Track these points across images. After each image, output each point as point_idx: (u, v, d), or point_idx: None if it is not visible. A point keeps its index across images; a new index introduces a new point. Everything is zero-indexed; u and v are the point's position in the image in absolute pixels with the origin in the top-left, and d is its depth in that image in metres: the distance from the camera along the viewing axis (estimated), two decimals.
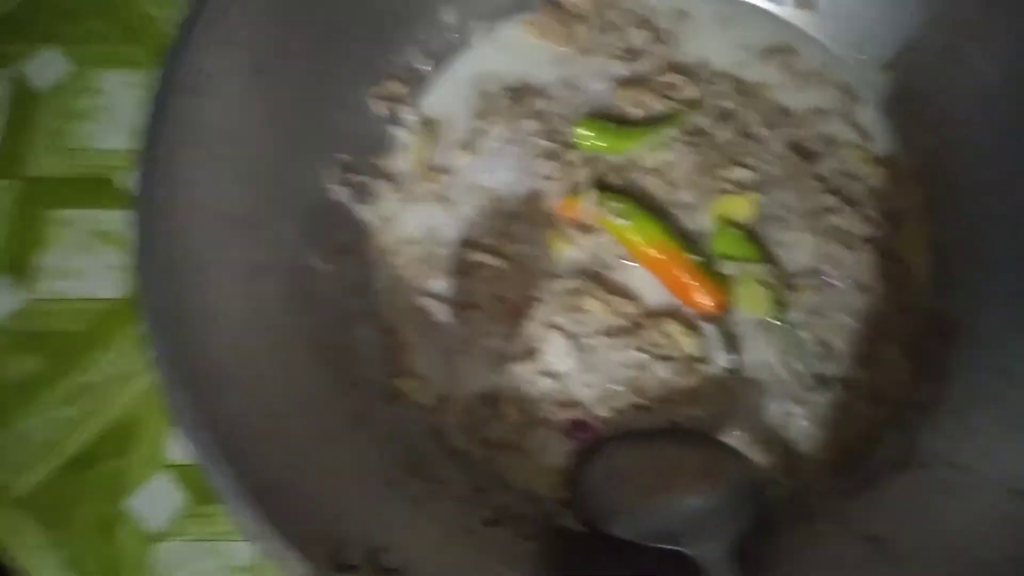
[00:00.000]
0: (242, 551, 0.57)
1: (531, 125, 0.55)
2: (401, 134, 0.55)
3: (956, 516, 0.40)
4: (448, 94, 0.56)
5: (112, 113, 0.69)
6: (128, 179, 0.67)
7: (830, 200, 0.51)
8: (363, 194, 0.53)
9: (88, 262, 0.65)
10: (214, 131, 0.43)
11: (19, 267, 0.65)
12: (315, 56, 0.48)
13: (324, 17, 0.48)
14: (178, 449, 0.60)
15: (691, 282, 0.49)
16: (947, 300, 0.49)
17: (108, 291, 0.64)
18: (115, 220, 0.66)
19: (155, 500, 0.59)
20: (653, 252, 0.49)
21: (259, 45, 0.45)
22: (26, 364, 0.62)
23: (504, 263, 0.51)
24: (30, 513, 0.59)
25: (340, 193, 0.52)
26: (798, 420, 0.48)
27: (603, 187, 0.52)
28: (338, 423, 0.44)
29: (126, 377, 0.62)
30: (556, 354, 0.49)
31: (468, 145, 0.55)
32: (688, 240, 0.51)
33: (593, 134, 0.54)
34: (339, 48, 0.50)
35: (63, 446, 0.60)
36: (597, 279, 0.51)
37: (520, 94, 0.56)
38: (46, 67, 0.71)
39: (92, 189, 0.67)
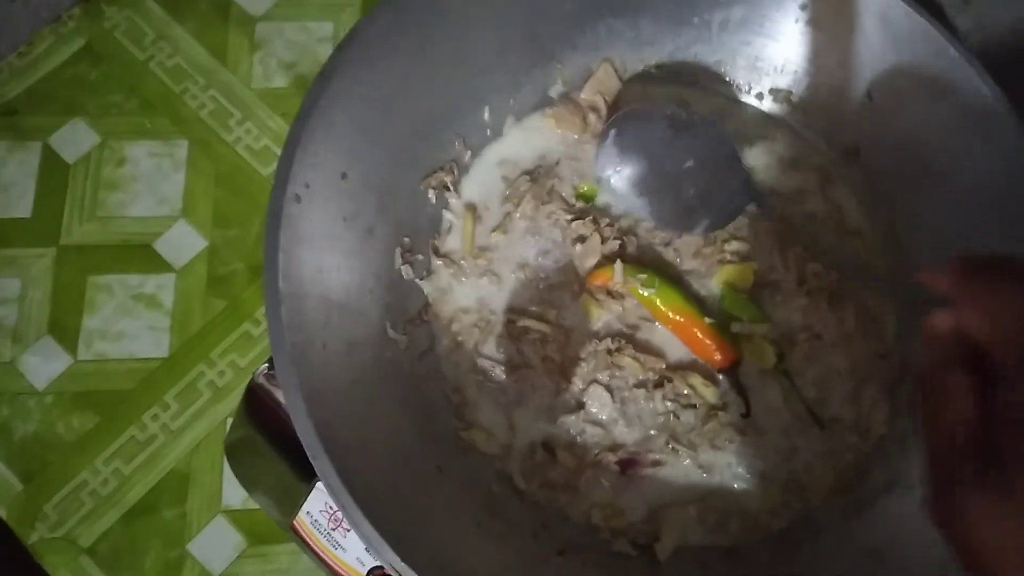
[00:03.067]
0: None
1: (551, 202, 0.62)
2: (449, 216, 0.63)
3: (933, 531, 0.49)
4: (483, 179, 0.64)
5: (140, 182, 0.74)
6: (160, 244, 0.72)
7: (814, 267, 0.60)
8: (422, 270, 0.60)
9: (129, 324, 0.70)
10: (315, 230, 0.49)
11: (64, 331, 0.69)
12: (385, 158, 0.55)
13: (394, 126, 0.56)
14: (233, 495, 0.66)
15: (706, 340, 0.57)
16: (912, 348, 0.58)
17: (151, 351, 0.69)
18: (153, 284, 0.71)
19: (214, 543, 0.64)
20: (673, 315, 0.58)
21: (344, 154, 0.52)
22: (80, 422, 0.67)
23: (548, 327, 0.58)
24: (97, 560, 0.63)
25: (405, 271, 0.59)
26: (801, 454, 0.56)
27: (625, 259, 0.60)
28: (429, 475, 0.51)
29: (178, 431, 0.67)
30: (599, 405, 0.57)
31: (501, 226, 0.62)
32: (701, 303, 0.60)
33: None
34: (404, 150, 0.57)
35: (124, 497, 0.65)
36: (628, 339, 0.59)
37: (537, 176, 0.64)
38: (73, 139, 0.75)
39: (128, 255, 0.72)
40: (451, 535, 0.48)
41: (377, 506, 0.43)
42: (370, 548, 0.42)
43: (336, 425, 0.45)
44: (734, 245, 0.61)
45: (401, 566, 0.42)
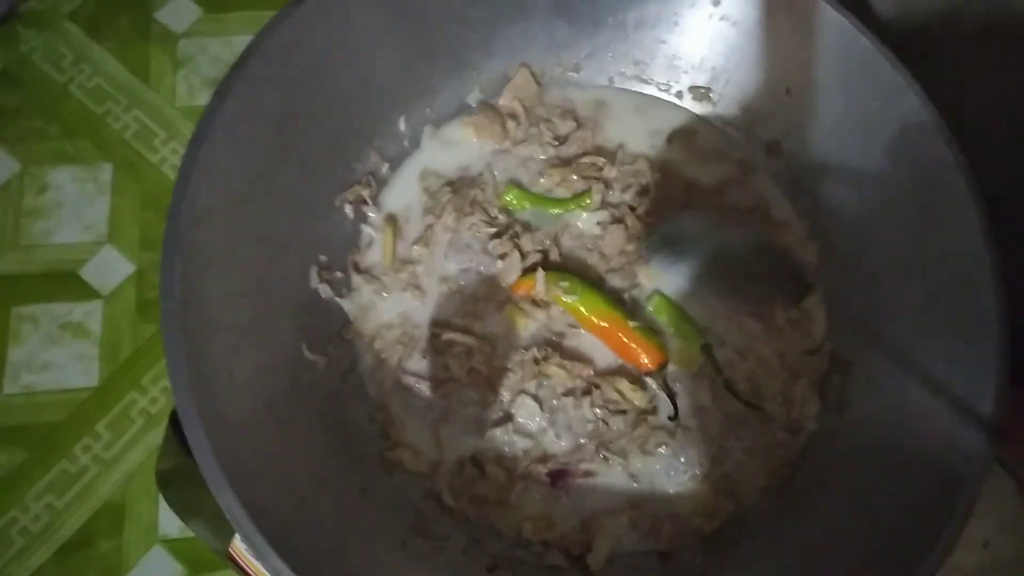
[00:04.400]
0: None
1: (472, 214, 0.61)
2: (368, 231, 0.61)
3: (863, 523, 0.49)
4: (403, 191, 0.63)
5: (64, 208, 0.73)
6: (86, 271, 0.71)
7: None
8: (341, 288, 0.59)
9: (57, 354, 0.68)
10: (217, 254, 0.48)
11: None
12: (295, 176, 0.54)
13: (302, 142, 0.54)
14: (169, 524, 0.64)
15: (632, 345, 0.57)
16: (840, 342, 0.58)
17: (81, 381, 0.68)
18: (80, 312, 0.70)
19: (153, 574, 0.63)
20: (598, 321, 0.57)
21: (248, 175, 0.50)
22: (8, 458, 0.65)
23: (472, 340, 0.57)
24: None
25: (322, 290, 0.57)
26: (733, 453, 0.56)
27: (547, 266, 0.59)
28: (351, 497, 0.50)
29: (111, 461, 0.66)
30: (527, 415, 0.56)
31: (423, 239, 0.61)
32: (625, 306, 0.59)
33: (517, 196, 0.61)
34: (314, 166, 0.56)
35: (57, 532, 0.63)
36: (555, 347, 0.58)
37: (458, 186, 0.63)
38: None
39: (53, 284, 0.70)
40: (374, 559, 0.47)
41: (288, 536, 0.42)
42: None
43: (244, 454, 0.44)
44: None
45: None
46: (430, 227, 0.61)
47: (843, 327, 0.59)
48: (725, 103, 0.65)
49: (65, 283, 0.70)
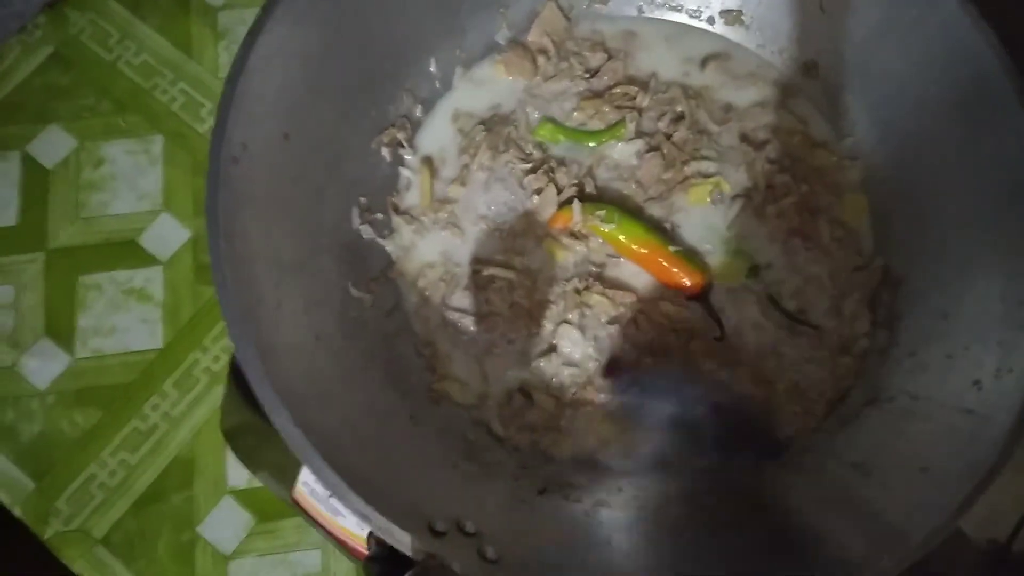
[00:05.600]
0: (309, 559, 0.64)
1: (507, 151, 0.62)
2: (406, 173, 0.62)
3: (918, 437, 0.48)
4: (437, 133, 0.64)
5: (119, 180, 0.75)
6: (144, 239, 0.73)
7: (783, 179, 0.59)
8: (383, 228, 0.60)
9: (122, 319, 0.71)
10: (258, 192, 0.49)
11: (60, 331, 0.70)
12: (330, 117, 0.55)
13: (335, 83, 0.55)
14: (237, 476, 0.67)
15: (673, 269, 0.56)
16: (890, 257, 0.57)
17: (146, 343, 0.70)
18: (141, 278, 0.72)
19: (224, 524, 0.65)
20: (637, 248, 0.57)
21: (283, 114, 0.51)
22: (84, 418, 0.68)
23: (513, 274, 0.58)
24: (112, 550, 0.65)
25: (365, 230, 0.59)
26: (787, 364, 0.55)
27: (584, 197, 0.59)
28: (401, 425, 0.51)
29: (179, 418, 0.68)
30: (571, 345, 0.56)
31: (459, 178, 0.62)
32: (665, 232, 0.59)
33: (551, 131, 0.61)
34: (348, 108, 0.57)
35: (132, 486, 0.66)
36: (596, 277, 0.58)
37: (491, 124, 0.63)
38: (51, 145, 0.76)
39: (115, 253, 0.73)
40: (425, 479, 0.49)
41: (341, 454, 0.43)
42: (335, 495, 0.42)
43: (296, 380, 0.45)
44: (697, 165, 0.60)
45: (367, 509, 0.42)
46: (466, 166, 0.61)
47: (892, 243, 0.57)
48: (758, 25, 0.64)
49: (125, 251, 0.73)
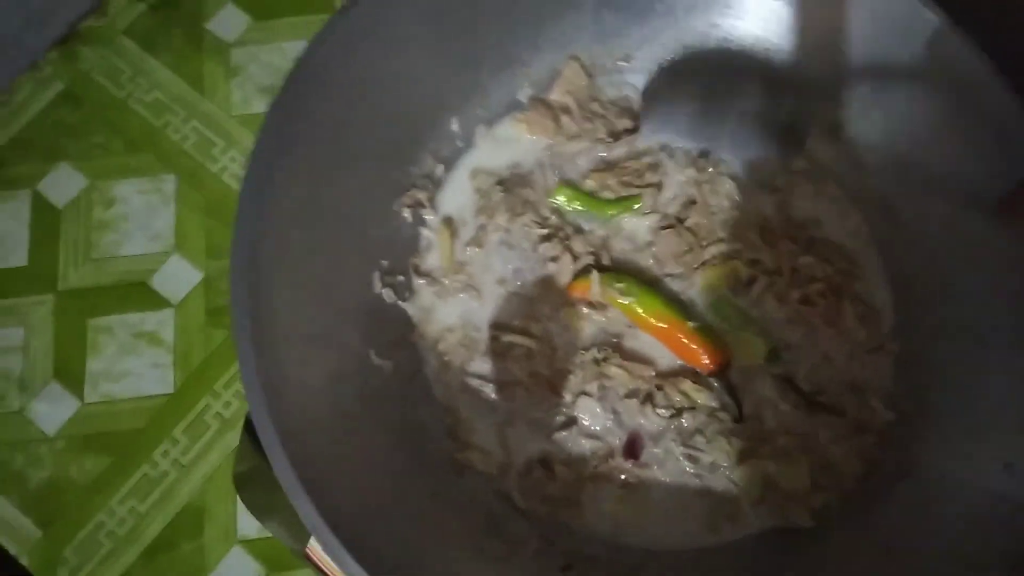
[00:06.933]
0: None
1: (524, 214, 0.61)
2: (427, 234, 0.62)
3: (949, 521, 0.47)
4: (458, 192, 0.63)
5: (131, 221, 0.74)
6: (155, 281, 0.73)
7: (807, 261, 0.58)
8: (404, 292, 0.60)
9: (133, 363, 0.70)
10: (283, 264, 0.49)
11: (69, 375, 0.70)
12: (354, 183, 0.55)
13: (359, 148, 0.55)
14: (247, 525, 0.66)
15: (692, 346, 0.56)
16: (913, 332, 0.57)
17: (157, 388, 0.70)
18: (152, 321, 0.72)
19: (234, 574, 0.65)
20: (656, 322, 0.56)
21: (308, 183, 0.51)
22: (93, 464, 0.68)
23: (532, 342, 0.57)
24: None
25: (387, 294, 0.58)
26: (808, 443, 0.55)
27: (600, 267, 0.58)
28: (423, 501, 0.51)
29: (189, 465, 0.68)
30: (591, 417, 0.56)
31: (476, 240, 0.61)
32: (684, 307, 0.58)
33: (568, 198, 0.61)
34: (372, 172, 0.57)
35: (142, 535, 0.65)
36: (615, 347, 0.57)
37: (510, 185, 0.62)
38: (61, 184, 0.75)
39: (126, 294, 0.72)
40: (449, 564, 0.48)
41: (367, 545, 0.43)
42: None
43: (319, 462, 0.45)
44: (715, 248, 0.59)
45: None
46: (483, 227, 0.61)
47: (914, 319, 0.57)
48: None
49: (136, 293, 0.72)
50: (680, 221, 0.60)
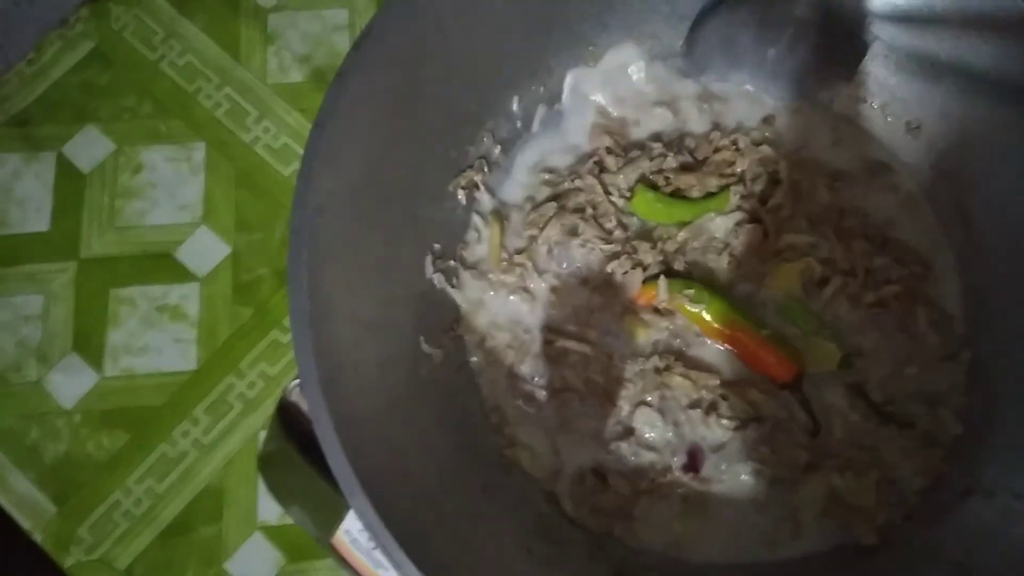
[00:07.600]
0: None
1: (583, 234, 0.57)
2: (477, 222, 0.59)
3: (1020, 539, 0.46)
4: (515, 185, 0.60)
5: (158, 189, 0.71)
6: (181, 252, 0.70)
7: (882, 262, 0.55)
8: (453, 277, 0.57)
9: (155, 337, 0.68)
10: (341, 243, 0.46)
11: (89, 347, 0.67)
12: (411, 159, 0.52)
13: (419, 124, 0.52)
14: (268, 510, 0.64)
15: (763, 355, 0.53)
16: (985, 341, 0.54)
17: (179, 364, 0.67)
18: (176, 294, 0.69)
19: (252, 561, 0.62)
20: (725, 329, 0.53)
21: (367, 158, 0.48)
22: (111, 441, 0.65)
23: (589, 348, 0.54)
24: None
25: (438, 279, 0.56)
26: (876, 456, 0.52)
27: (669, 273, 0.55)
28: (474, 497, 0.48)
29: (210, 446, 0.65)
30: (650, 429, 0.53)
31: (528, 249, 0.58)
32: (754, 312, 0.55)
33: (648, 202, 0.57)
34: (427, 152, 0.54)
35: (158, 516, 0.63)
36: (678, 356, 0.54)
37: (565, 200, 0.58)
38: (87, 147, 0.72)
39: (150, 265, 0.69)
40: (501, 566, 0.45)
41: (420, 542, 0.40)
42: None
43: (372, 454, 0.42)
44: (790, 238, 0.56)
45: None
46: (533, 238, 0.58)
47: (987, 327, 0.55)
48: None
49: (161, 265, 0.69)
50: (763, 203, 0.57)
